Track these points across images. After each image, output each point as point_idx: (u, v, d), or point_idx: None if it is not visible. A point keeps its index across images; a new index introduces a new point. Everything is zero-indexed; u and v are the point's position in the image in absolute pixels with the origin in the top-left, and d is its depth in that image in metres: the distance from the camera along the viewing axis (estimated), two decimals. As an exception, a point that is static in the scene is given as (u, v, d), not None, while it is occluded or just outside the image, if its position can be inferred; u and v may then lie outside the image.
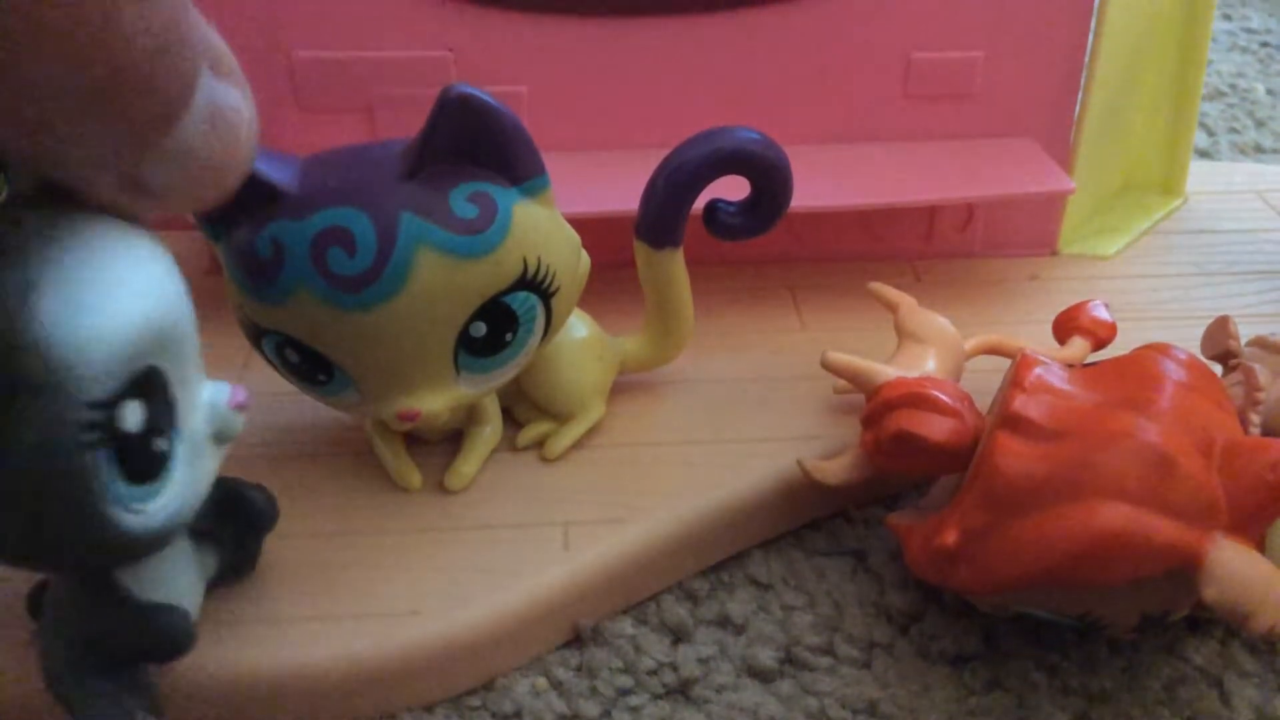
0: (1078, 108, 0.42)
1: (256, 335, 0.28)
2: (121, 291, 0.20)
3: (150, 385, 0.22)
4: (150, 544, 0.23)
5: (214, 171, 0.21)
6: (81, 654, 0.24)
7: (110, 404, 0.20)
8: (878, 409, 0.29)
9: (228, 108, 0.21)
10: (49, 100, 0.18)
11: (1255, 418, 0.29)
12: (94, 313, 0.20)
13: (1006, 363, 0.34)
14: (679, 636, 0.30)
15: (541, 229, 0.28)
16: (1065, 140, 0.42)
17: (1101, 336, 0.35)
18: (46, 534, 0.21)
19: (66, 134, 0.18)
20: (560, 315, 0.30)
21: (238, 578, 0.28)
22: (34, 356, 0.19)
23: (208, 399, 0.24)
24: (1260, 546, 0.26)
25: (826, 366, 0.33)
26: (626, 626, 0.30)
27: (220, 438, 0.24)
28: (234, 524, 0.27)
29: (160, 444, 0.22)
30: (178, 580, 0.25)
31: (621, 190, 0.35)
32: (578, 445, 0.33)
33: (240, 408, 0.24)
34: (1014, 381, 0.27)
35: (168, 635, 0.24)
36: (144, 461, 0.22)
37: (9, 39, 0.17)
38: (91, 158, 0.19)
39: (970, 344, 0.36)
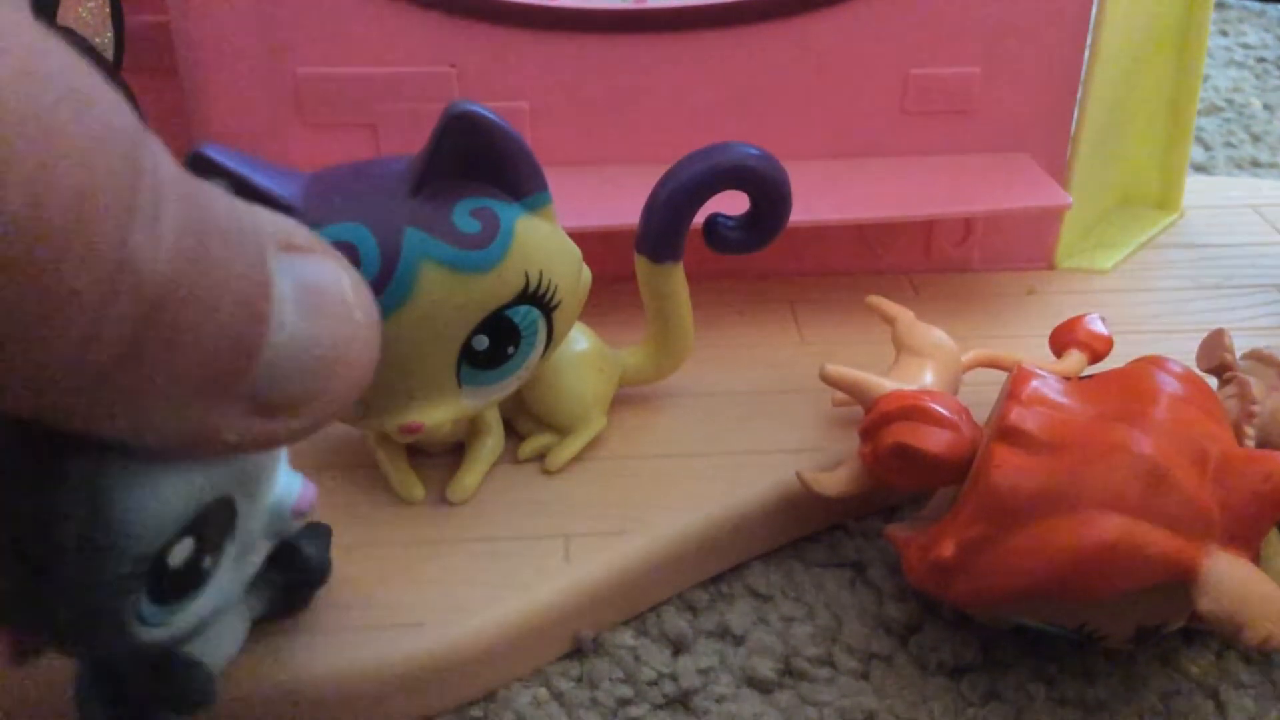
0: (1074, 123, 0.42)
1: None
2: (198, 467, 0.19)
3: (212, 516, 0.20)
4: (176, 644, 0.22)
5: (340, 359, 0.18)
6: (105, 685, 0.23)
7: (158, 553, 0.19)
8: (876, 421, 0.30)
9: (321, 282, 0.18)
10: (87, 359, 0.14)
11: (1250, 430, 0.30)
12: (161, 479, 0.19)
13: (1004, 376, 0.34)
14: (679, 647, 0.30)
15: (543, 243, 0.29)
16: (1062, 155, 0.43)
17: (1098, 350, 0.35)
18: (59, 635, 0.20)
19: (134, 384, 0.15)
20: (562, 328, 0.30)
21: (288, 615, 0.28)
22: (89, 522, 0.18)
23: (272, 502, 0.22)
24: (1255, 558, 0.26)
25: (825, 379, 0.33)
26: (627, 637, 0.30)
27: (274, 534, 0.23)
28: (285, 572, 0.26)
29: (205, 563, 0.21)
30: (219, 624, 0.24)
31: (622, 205, 0.36)
32: (579, 457, 0.34)
33: (301, 515, 0.23)
34: (1010, 394, 0.28)
35: (187, 691, 0.23)
36: (181, 584, 0.20)
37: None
38: (190, 401, 0.16)
39: (968, 357, 0.36)
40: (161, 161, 0.15)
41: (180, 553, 0.20)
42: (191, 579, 0.21)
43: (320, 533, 0.27)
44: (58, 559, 0.18)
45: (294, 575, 0.26)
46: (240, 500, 0.21)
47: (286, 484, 0.23)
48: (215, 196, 0.16)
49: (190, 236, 0.15)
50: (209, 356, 0.16)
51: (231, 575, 0.22)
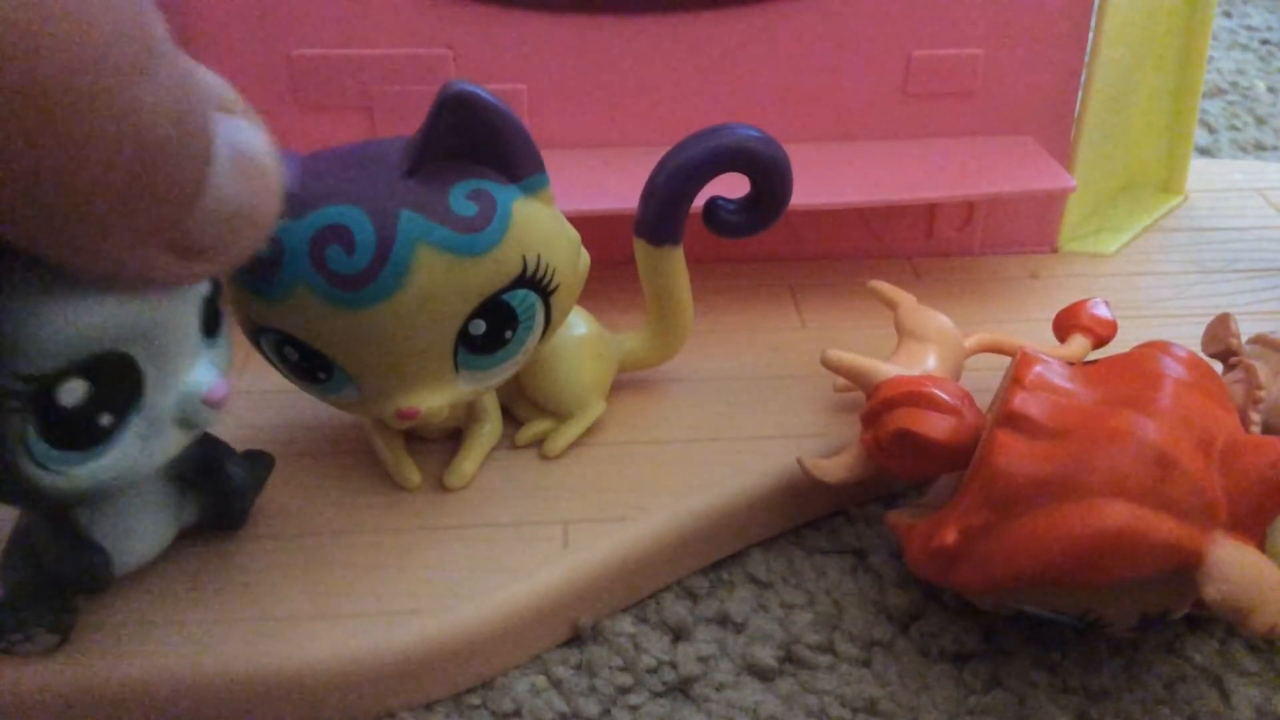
0: (1078, 105, 0.42)
1: (255, 333, 0.28)
2: (90, 289, 0.21)
3: (110, 369, 0.22)
4: (74, 499, 0.24)
5: (252, 216, 0.21)
6: (28, 557, 0.25)
7: (44, 379, 0.21)
8: (878, 407, 0.29)
9: (246, 146, 0.20)
10: (82, 195, 0.17)
11: (1256, 416, 0.29)
12: (54, 300, 0.21)
13: (1007, 361, 0.34)
14: (679, 635, 0.30)
15: (541, 227, 0.28)
16: (1065, 138, 0.42)
17: (1102, 334, 0.35)
18: None
19: (101, 222, 0.18)
20: (560, 313, 0.30)
21: (228, 529, 0.29)
22: None
23: (184, 387, 0.24)
24: (1261, 545, 0.26)
25: (826, 364, 0.33)
26: (626, 625, 0.30)
27: (186, 424, 0.24)
28: (209, 487, 0.28)
29: (104, 419, 0.23)
30: (136, 519, 0.26)
31: (621, 188, 0.35)
32: (577, 443, 0.33)
33: (213, 404, 0.24)
34: (1014, 379, 0.27)
35: (83, 573, 0.25)
36: (76, 432, 0.22)
37: (32, 136, 0.16)
38: (131, 240, 0.19)
39: (970, 342, 0.36)
40: (160, 28, 0.17)
41: (71, 393, 0.22)
42: (91, 432, 0.22)
43: (258, 460, 0.29)
44: None
45: (217, 490, 0.28)
46: (145, 364, 0.23)
47: (203, 374, 0.24)
48: (181, 55, 0.18)
49: (178, 97, 0.17)
50: (164, 207, 0.18)
51: (138, 450, 0.23)
